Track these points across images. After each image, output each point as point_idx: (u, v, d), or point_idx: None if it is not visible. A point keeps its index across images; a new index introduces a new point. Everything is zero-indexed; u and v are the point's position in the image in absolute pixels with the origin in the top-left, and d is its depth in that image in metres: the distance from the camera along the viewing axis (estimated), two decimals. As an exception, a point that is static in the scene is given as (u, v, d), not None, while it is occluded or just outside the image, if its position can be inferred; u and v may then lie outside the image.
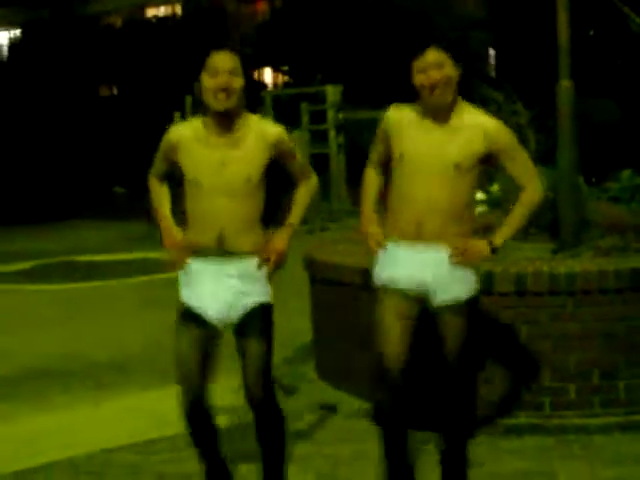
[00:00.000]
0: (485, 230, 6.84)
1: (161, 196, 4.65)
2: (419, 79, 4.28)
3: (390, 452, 4.57)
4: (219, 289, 4.34)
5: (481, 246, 4.41)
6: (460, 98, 4.39)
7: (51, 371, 7.86)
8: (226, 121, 4.30)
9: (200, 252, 4.36)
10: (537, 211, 4.53)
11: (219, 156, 4.29)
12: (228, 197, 4.29)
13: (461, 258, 4.35)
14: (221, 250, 4.32)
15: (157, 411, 6.34)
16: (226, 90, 4.21)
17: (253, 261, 4.37)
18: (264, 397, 4.40)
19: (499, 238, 4.43)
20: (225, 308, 4.35)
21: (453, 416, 4.55)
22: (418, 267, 4.38)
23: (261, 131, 4.36)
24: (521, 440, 5.49)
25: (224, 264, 4.33)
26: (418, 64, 4.28)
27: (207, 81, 4.23)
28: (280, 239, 4.47)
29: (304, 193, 4.67)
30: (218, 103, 4.24)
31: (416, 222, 4.34)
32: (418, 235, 4.35)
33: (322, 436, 5.76)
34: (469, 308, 4.43)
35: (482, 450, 5.19)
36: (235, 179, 4.29)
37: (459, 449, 4.57)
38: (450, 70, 4.27)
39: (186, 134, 4.37)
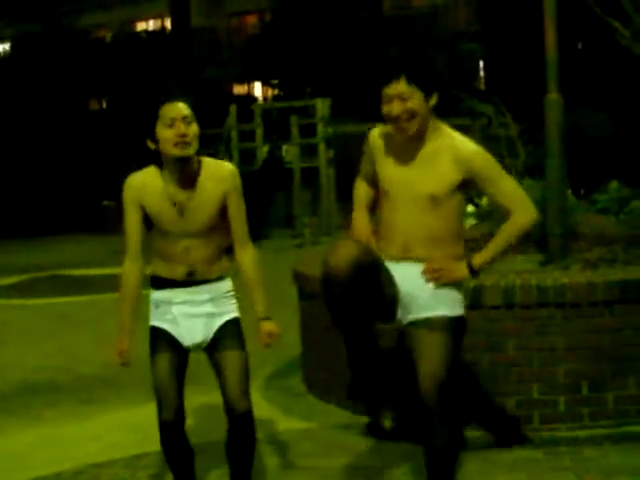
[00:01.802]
0: (471, 242, 6.87)
1: (131, 289, 4.46)
2: (384, 109, 4.13)
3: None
4: (193, 319, 4.43)
5: (458, 268, 4.20)
6: (435, 121, 4.20)
7: (39, 386, 7.83)
8: (185, 168, 4.34)
9: (170, 283, 4.43)
10: (523, 236, 4.30)
11: (180, 205, 4.34)
12: (194, 239, 4.37)
13: (436, 276, 4.18)
14: (191, 281, 4.42)
15: (145, 426, 6.28)
16: (185, 137, 4.26)
17: (222, 284, 4.48)
18: (248, 407, 4.42)
19: (479, 259, 4.21)
20: (202, 334, 4.45)
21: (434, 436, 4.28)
22: (399, 280, 4.23)
23: (216, 171, 4.41)
24: (511, 453, 5.48)
25: (195, 293, 4.44)
26: (384, 93, 4.12)
27: (165, 132, 4.26)
28: (269, 327, 4.49)
29: (255, 270, 4.52)
30: (180, 151, 4.27)
31: (402, 245, 4.22)
32: (405, 254, 4.22)
33: (310, 449, 5.74)
34: (451, 328, 4.20)
35: (472, 464, 5.18)
36: (198, 224, 4.36)
37: (444, 466, 4.33)
38: (415, 103, 4.08)
39: (147, 183, 4.38)
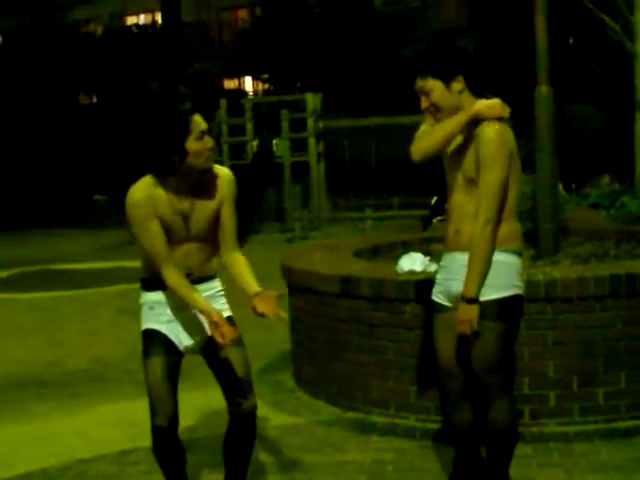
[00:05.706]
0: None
1: (184, 282, 4.26)
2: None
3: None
4: (190, 319, 4.35)
5: (466, 311, 4.22)
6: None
7: (27, 380, 7.77)
8: (202, 178, 4.25)
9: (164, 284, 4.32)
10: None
11: (185, 214, 4.25)
12: (193, 244, 4.31)
13: (463, 329, 4.23)
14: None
15: (133, 421, 6.27)
16: (212, 150, 4.20)
17: (215, 283, 4.45)
18: (255, 405, 4.37)
19: (467, 290, 4.20)
20: (200, 333, 4.37)
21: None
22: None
23: (215, 176, 4.31)
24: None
25: None
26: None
27: (197, 145, 4.12)
28: (270, 303, 4.32)
29: (243, 262, 4.43)
30: (209, 164, 4.21)
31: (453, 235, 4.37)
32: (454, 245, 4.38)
33: (299, 444, 5.71)
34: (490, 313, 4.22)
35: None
36: (200, 230, 4.30)
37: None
38: (436, 95, 4.20)
39: (154, 194, 4.21)
